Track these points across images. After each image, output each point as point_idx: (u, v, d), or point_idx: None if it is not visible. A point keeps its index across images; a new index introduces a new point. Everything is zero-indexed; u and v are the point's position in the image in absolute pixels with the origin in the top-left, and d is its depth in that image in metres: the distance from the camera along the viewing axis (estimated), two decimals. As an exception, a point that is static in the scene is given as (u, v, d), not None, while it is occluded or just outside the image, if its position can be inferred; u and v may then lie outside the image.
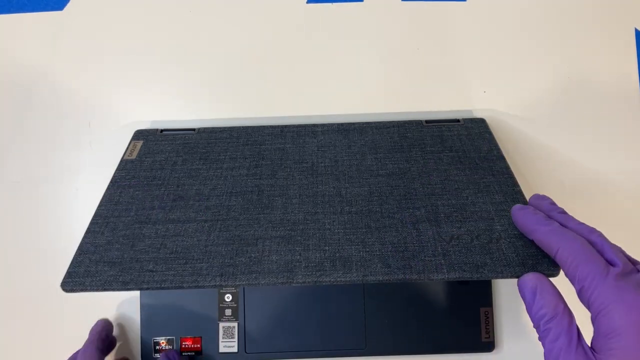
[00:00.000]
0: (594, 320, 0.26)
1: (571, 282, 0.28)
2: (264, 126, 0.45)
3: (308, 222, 0.35)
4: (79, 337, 0.40)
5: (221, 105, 0.48)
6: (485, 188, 0.37)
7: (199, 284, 0.31)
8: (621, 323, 0.25)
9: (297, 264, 0.32)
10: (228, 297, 0.42)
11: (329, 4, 0.48)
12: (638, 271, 0.27)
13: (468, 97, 0.47)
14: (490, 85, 0.47)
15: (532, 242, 0.32)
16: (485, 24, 0.48)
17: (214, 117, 0.47)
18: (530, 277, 0.29)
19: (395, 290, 0.42)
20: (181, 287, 0.31)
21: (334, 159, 0.41)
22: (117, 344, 0.43)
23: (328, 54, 0.48)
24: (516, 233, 0.33)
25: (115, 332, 0.43)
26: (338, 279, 0.31)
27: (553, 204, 0.33)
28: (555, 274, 0.30)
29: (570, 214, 0.32)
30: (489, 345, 0.41)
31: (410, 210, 0.36)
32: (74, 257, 0.33)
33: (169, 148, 0.43)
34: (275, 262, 0.32)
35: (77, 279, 0.32)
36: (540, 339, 0.28)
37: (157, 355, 0.41)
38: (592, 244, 0.28)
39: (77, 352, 0.39)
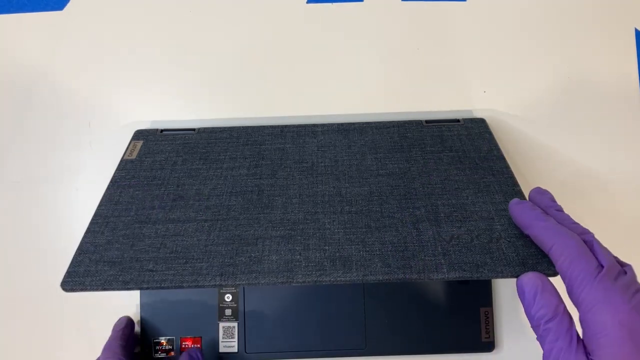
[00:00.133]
0: (582, 319, 0.27)
1: (562, 279, 0.28)
2: (264, 126, 0.45)
3: (308, 221, 0.35)
4: (79, 337, 0.40)
5: (221, 105, 0.48)
6: (485, 188, 0.37)
7: (199, 284, 0.31)
8: (608, 323, 0.25)
9: (297, 263, 0.32)
10: (228, 297, 0.42)
11: (329, 4, 0.48)
12: (626, 273, 0.27)
13: (468, 97, 0.47)
14: (490, 85, 0.47)
15: (531, 241, 0.32)
16: (485, 24, 0.48)
17: (214, 117, 0.47)
18: (531, 277, 0.29)
19: (395, 290, 0.42)
20: (181, 287, 0.31)
21: (334, 159, 0.41)
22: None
23: (328, 54, 0.48)
24: (516, 233, 0.33)
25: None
26: (338, 279, 0.31)
27: (553, 200, 0.33)
28: (554, 273, 0.30)
29: (570, 213, 0.32)
30: (489, 345, 0.41)
31: (410, 210, 0.36)
32: (73, 257, 0.33)
33: (169, 148, 0.43)
34: (275, 262, 0.32)
35: (77, 278, 0.32)
36: (538, 338, 0.28)
37: (158, 355, 0.41)
38: None
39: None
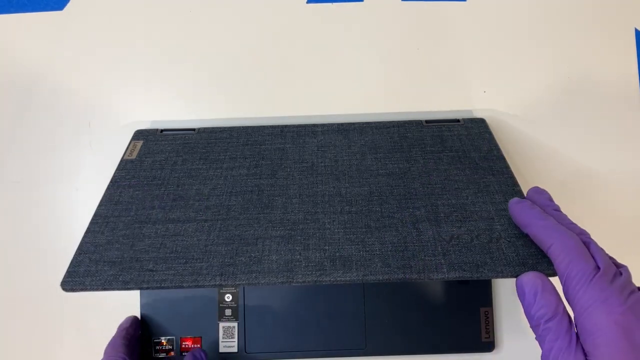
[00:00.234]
0: (577, 319, 0.27)
1: (559, 277, 0.28)
2: (264, 126, 0.45)
3: (308, 221, 0.35)
4: (79, 337, 0.40)
5: (221, 105, 0.48)
6: (485, 188, 0.37)
7: (199, 284, 0.31)
8: (603, 323, 0.25)
9: (297, 263, 0.32)
10: (228, 297, 0.42)
11: (329, 4, 0.48)
12: (621, 274, 0.27)
13: (468, 97, 0.47)
14: (490, 85, 0.47)
15: (531, 241, 0.32)
16: (485, 24, 0.48)
17: (214, 117, 0.47)
18: (531, 276, 0.29)
19: (395, 290, 0.42)
20: (181, 287, 0.31)
21: (334, 158, 0.41)
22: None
23: (328, 54, 0.48)
24: (516, 232, 0.33)
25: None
26: (338, 279, 0.31)
27: (550, 200, 0.33)
28: (554, 273, 0.30)
29: (569, 213, 0.32)
30: (489, 345, 0.41)
31: (410, 210, 0.36)
32: (73, 257, 0.33)
33: (169, 148, 0.43)
34: (275, 262, 0.32)
35: (77, 278, 0.32)
36: (537, 338, 0.28)
37: (158, 355, 0.41)
38: None
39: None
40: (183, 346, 0.41)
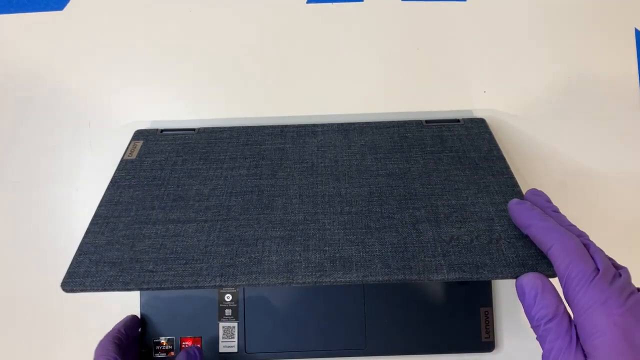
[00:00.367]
0: (577, 320, 0.27)
1: (559, 279, 0.28)
2: (264, 126, 0.45)
3: (308, 222, 0.35)
4: (79, 337, 0.40)
5: (221, 105, 0.48)
6: (485, 188, 0.37)
7: (199, 284, 0.31)
8: (603, 324, 0.26)
9: (297, 264, 0.32)
10: (228, 297, 0.42)
11: (329, 4, 0.48)
12: (620, 275, 0.27)
13: (468, 97, 0.47)
14: (490, 85, 0.47)
15: (531, 242, 0.32)
16: (485, 24, 0.48)
17: (214, 117, 0.47)
18: (531, 277, 0.29)
19: (395, 290, 0.42)
20: (181, 288, 0.31)
21: (334, 159, 0.41)
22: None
23: (328, 54, 0.48)
24: (516, 234, 0.33)
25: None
26: (338, 280, 0.31)
27: (549, 201, 0.33)
28: (554, 274, 0.30)
29: (569, 213, 0.32)
30: (489, 345, 0.41)
31: (410, 211, 0.36)
32: (74, 257, 0.33)
33: (169, 148, 0.43)
34: (275, 263, 0.32)
35: (77, 279, 0.32)
36: (538, 338, 0.28)
37: (158, 355, 0.41)
38: None
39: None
40: (183, 346, 0.41)
